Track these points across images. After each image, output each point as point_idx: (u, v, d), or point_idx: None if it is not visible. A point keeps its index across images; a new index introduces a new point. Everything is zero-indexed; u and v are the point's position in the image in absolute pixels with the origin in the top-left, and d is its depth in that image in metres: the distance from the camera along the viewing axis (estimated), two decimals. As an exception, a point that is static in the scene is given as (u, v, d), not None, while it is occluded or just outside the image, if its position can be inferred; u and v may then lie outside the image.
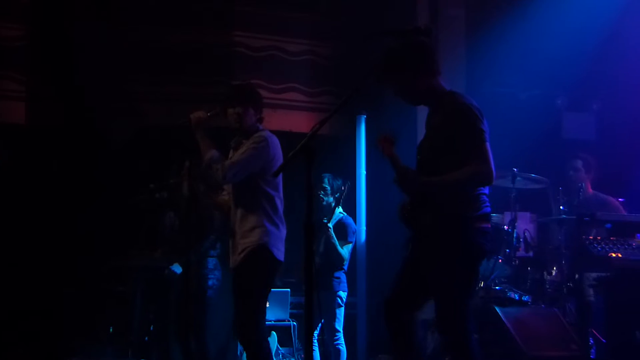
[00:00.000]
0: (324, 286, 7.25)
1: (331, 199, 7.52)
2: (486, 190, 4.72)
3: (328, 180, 7.57)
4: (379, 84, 4.95)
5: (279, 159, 5.57)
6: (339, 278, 7.46)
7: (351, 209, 8.19)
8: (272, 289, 7.35)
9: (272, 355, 6.89)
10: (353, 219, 7.82)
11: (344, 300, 7.49)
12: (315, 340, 7.41)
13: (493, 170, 4.57)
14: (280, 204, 5.57)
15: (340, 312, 7.45)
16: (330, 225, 7.35)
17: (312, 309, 4.25)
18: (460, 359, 4.66)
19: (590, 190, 7.76)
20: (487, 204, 4.70)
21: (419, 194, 4.72)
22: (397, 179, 4.69)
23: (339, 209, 7.53)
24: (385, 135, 4.83)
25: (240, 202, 5.58)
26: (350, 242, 7.53)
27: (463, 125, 4.61)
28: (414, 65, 4.78)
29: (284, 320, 8.38)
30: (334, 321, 7.37)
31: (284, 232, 5.59)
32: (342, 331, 7.47)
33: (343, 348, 7.44)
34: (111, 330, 8.13)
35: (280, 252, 5.52)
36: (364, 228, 8.49)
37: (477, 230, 4.62)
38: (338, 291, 7.42)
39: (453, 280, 4.62)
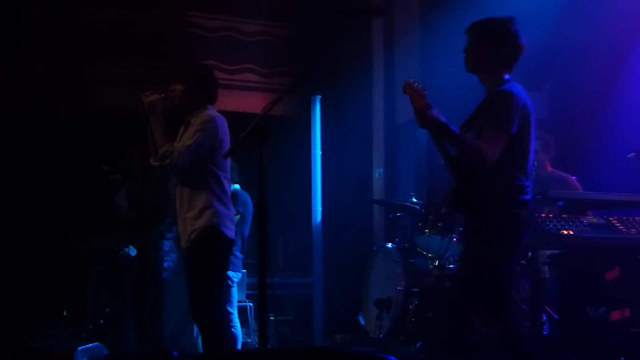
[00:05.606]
0: None
1: None
2: (528, 182, 4.82)
3: None
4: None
5: (227, 139, 5.52)
6: None
7: (306, 190, 8.19)
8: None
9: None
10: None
11: (235, 280, 7.30)
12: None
13: (493, 157, 4.66)
14: (227, 184, 5.51)
15: (233, 293, 7.30)
16: None
17: (266, 290, 4.25)
18: (512, 345, 4.84)
19: (549, 169, 7.82)
20: (528, 191, 4.82)
21: (466, 180, 4.83)
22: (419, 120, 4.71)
23: (235, 185, 7.37)
24: (412, 84, 4.76)
25: (188, 182, 5.50)
26: (239, 213, 7.23)
27: (496, 106, 4.76)
28: (490, 46, 4.87)
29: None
30: (226, 303, 7.09)
31: (233, 211, 5.57)
32: (236, 313, 7.32)
33: (236, 330, 7.21)
34: (65, 314, 8.08)
35: (230, 231, 5.48)
36: (319, 209, 8.49)
37: (514, 215, 4.78)
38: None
39: (498, 257, 4.79)
